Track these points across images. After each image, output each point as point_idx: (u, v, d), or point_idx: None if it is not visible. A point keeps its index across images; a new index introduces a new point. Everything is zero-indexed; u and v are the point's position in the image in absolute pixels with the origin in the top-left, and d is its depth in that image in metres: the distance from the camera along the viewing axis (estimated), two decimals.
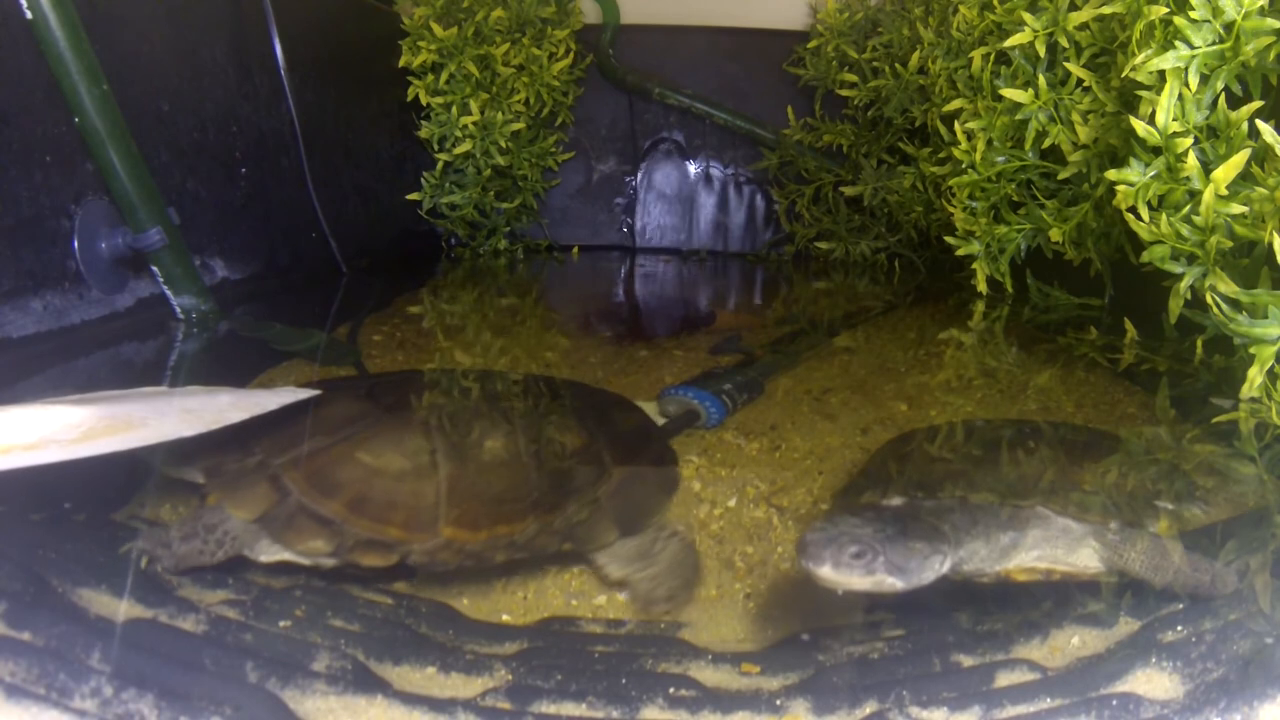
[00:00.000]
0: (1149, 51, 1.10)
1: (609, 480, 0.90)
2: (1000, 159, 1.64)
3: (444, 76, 2.25)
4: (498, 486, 0.82)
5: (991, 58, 1.66)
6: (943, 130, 1.82)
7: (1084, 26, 1.45)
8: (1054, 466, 0.82)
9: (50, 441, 0.73)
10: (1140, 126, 1.12)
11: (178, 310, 1.48)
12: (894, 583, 0.65)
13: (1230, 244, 1.06)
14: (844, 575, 0.64)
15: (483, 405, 1.05)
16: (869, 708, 0.60)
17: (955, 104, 1.75)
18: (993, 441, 0.93)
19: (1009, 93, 1.56)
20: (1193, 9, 1.06)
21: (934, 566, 0.66)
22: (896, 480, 0.83)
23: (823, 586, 0.65)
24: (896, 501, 0.78)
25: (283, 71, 1.88)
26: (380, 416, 0.88)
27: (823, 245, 2.50)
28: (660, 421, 1.15)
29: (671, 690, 0.63)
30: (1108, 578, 0.73)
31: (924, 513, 0.72)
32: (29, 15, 1.25)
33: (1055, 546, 0.73)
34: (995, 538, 0.72)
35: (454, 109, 2.26)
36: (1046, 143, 1.56)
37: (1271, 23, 1.02)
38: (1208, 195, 1.04)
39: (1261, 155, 1.02)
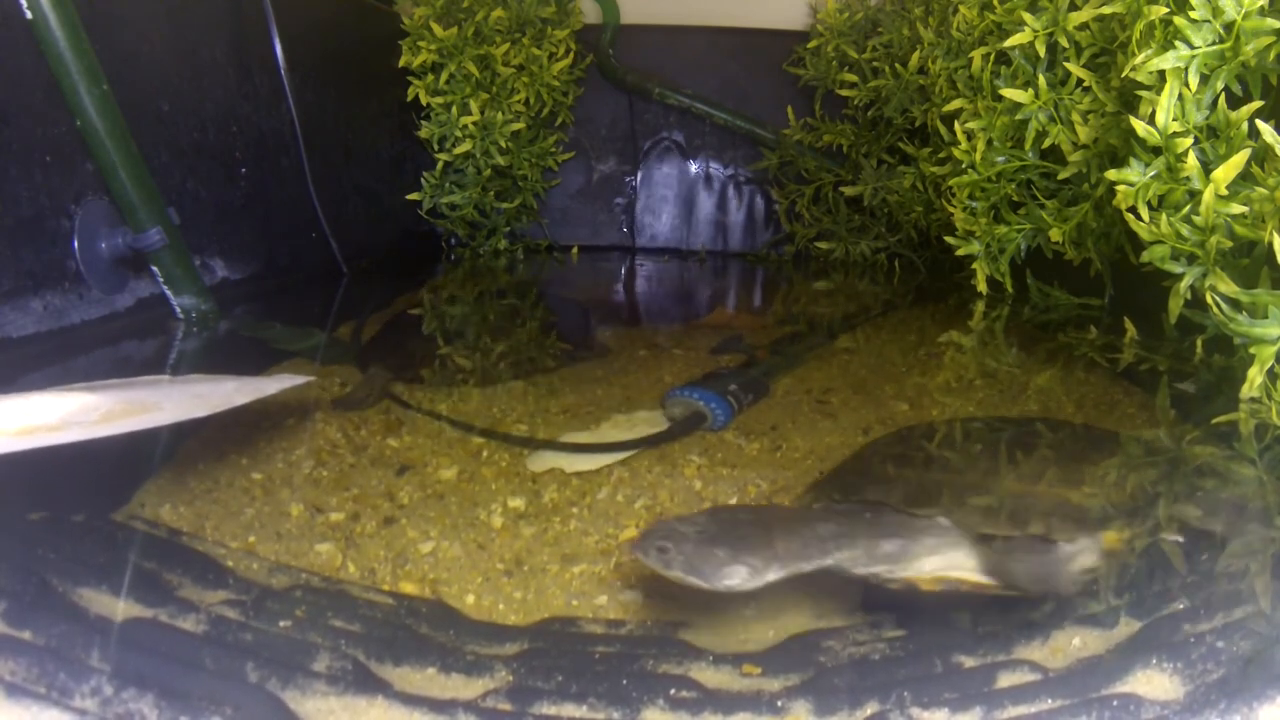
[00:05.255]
0: (1149, 51, 1.10)
1: None
2: (1000, 159, 1.64)
3: (444, 76, 2.25)
4: None
5: (991, 58, 1.66)
6: (943, 130, 1.82)
7: (1084, 26, 1.45)
8: (995, 472, 0.83)
9: (72, 423, 0.76)
10: (1140, 126, 1.12)
11: (178, 310, 1.48)
12: (694, 581, 0.69)
13: (1230, 244, 1.06)
14: (651, 563, 0.70)
15: None
16: (870, 708, 0.60)
17: (955, 104, 1.74)
18: (953, 444, 0.97)
19: (1009, 93, 1.56)
20: (1193, 9, 1.06)
21: (733, 574, 0.68)
22: (835, 484, 0.88)
23: None
24: (819, 505, 0.83)
25: (283, 71, 1.88)
26: None
27: (823, 245, 2.50)
28: (665, 424, 1.16)
29: (672, 691, 0.63)
30: (999, 590, 0.73)
31: (801, 518, 0.76)
32: (29, 15, 1.25)
33: (955, 557, 0.74)
34: (879, 545, 0.73)
35: (454, 109, 2.26)
36: (1046, 143, 1.56)
37: (1271, 23, 1.02)
38: (1208, 195, 1.04)
39: (1261, 155, 1.02)
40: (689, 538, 0.69)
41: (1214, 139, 1.08)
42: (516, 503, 0.96)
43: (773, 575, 0.69)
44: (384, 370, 1.34)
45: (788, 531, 0.72)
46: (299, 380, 1.06)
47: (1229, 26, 1.05)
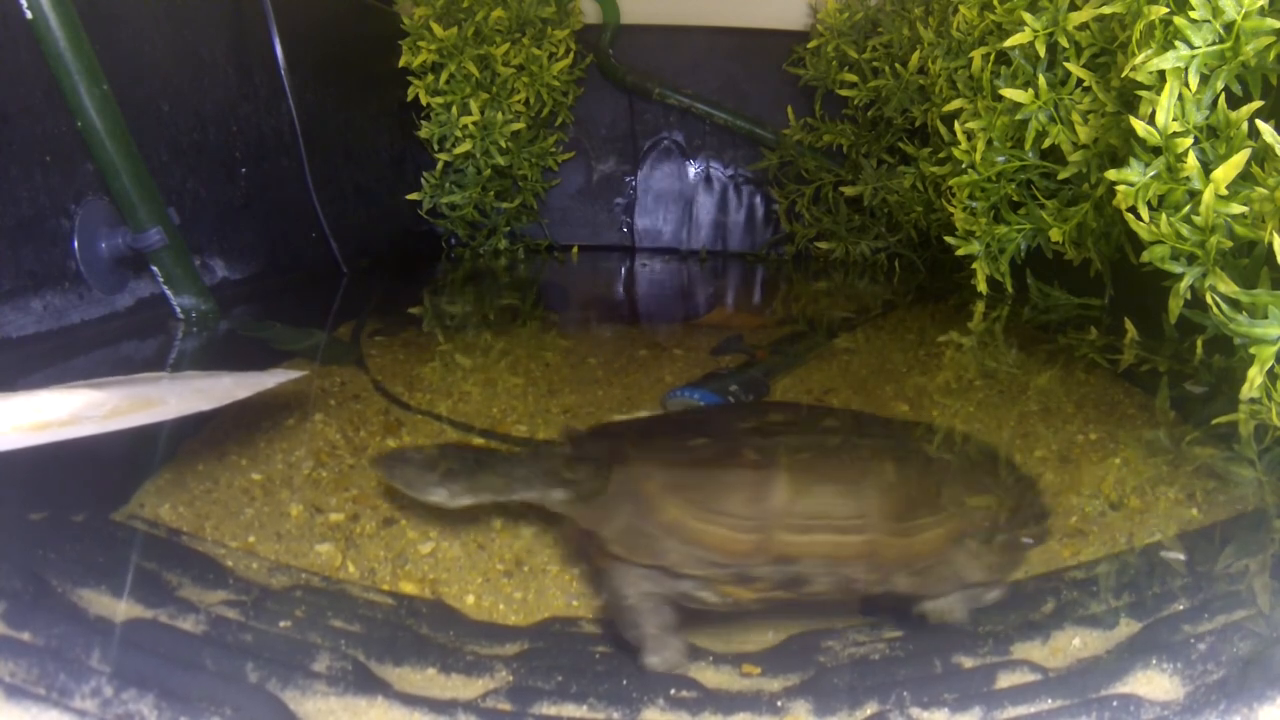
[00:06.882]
0: (1149, 51, 1.10)
1: None
2: (1000, 159, 1.64)
3: (444, 76, 2.25)
4: None
5: (991, 58, 1.66)
6: (943, 130, 1.82)
7: (1084, 26, 1.45)
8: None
9: (83, 418, 0.78)
10: (1140, 126, 1.12)
11: (177, 310, 1.48)
12: (410, 492, 0.86)
13: (1230, 244, 1.06)
14: (383, 474, 0.89)
15: None
16: (869, 709, 0.60)
17: (955, 104, 1.74)
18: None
19: (1009, 93, 1.56)
20: (1193, 9, 1.06)
21: (434, 494, 0.85)
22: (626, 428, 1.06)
23: None
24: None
25: (283, 71, 1.88)
26: None
27: (823, 245, 2.50)
28: None
29: (672, 691, 0.63)
30: None
31: (510, 462, 0.91)
32: (29, 15, 1.25)
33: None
34: (551, 493, 0.86)
35: (454, 109, 2.26)
36: (1046, 143, 1.55)
37: (1271, 23, 1.02)
38: (1208, 195, 1.04)
39: (1261, 155, 1.02)
40: (414, 462, 0.87)
41: (1214, 139, 1.08)
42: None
43: (466, 500, 0.85)
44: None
45: (489, 470, 0.87)
46: (294, 374, 1.09)
47: (1229, 26, 1.05)
